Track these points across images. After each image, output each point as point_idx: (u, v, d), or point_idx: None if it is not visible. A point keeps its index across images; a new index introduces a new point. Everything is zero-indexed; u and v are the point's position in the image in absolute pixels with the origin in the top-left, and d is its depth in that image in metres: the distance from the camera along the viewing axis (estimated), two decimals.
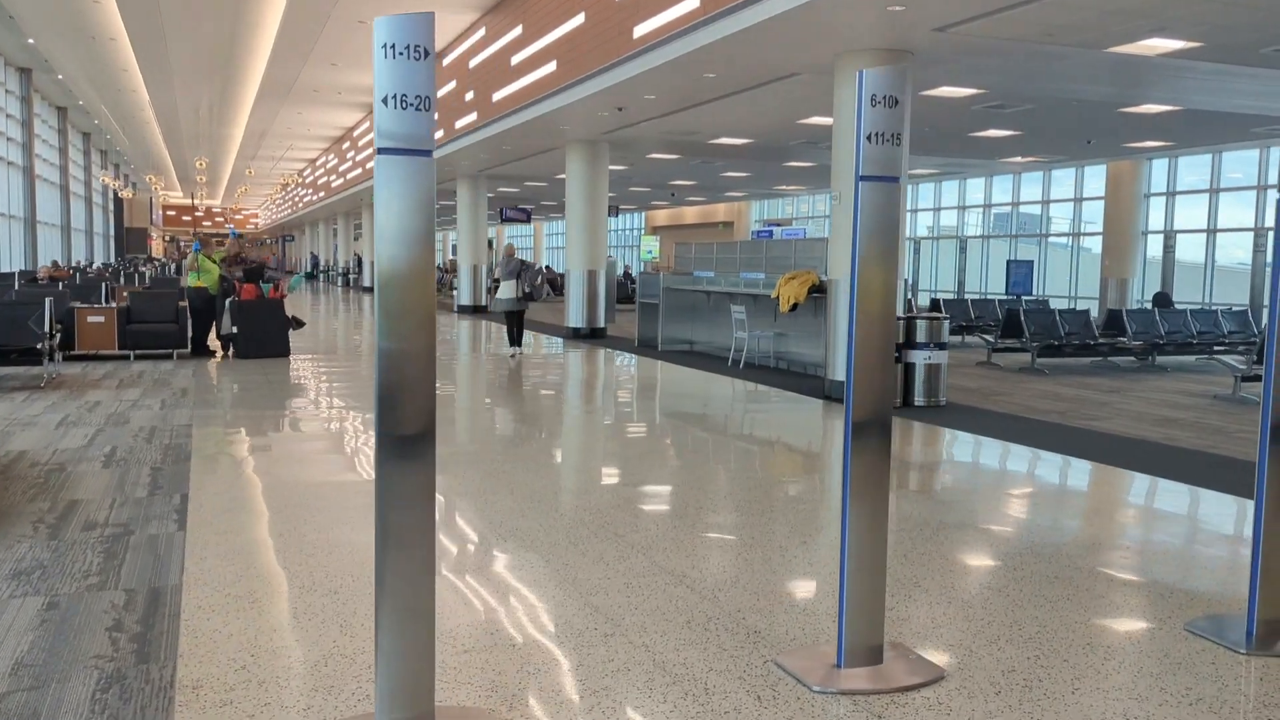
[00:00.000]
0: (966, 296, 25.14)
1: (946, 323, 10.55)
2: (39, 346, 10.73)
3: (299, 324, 14.27)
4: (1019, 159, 21.82)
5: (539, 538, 5.21)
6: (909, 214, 31.19)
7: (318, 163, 44.28)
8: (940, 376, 10.42)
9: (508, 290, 14.62)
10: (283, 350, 13.80)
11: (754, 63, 11.37)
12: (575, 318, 18.73)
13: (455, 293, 28.00)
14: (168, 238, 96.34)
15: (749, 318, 14.02)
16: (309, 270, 59.13)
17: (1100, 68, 11.33)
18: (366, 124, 31.72)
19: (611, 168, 23.74)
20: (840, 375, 10.73)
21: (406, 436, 2.91)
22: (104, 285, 17.11)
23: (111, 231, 57.75)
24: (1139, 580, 4.79)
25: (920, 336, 10.32)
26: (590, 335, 18.52)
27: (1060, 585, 4.59)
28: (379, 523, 2.91)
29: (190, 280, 14.00)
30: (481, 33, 18.50)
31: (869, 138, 3.43)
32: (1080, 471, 7.47)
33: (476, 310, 26.35)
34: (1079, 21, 9.12)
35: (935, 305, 18.91)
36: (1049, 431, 8.96)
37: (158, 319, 13.34)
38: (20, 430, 8.05)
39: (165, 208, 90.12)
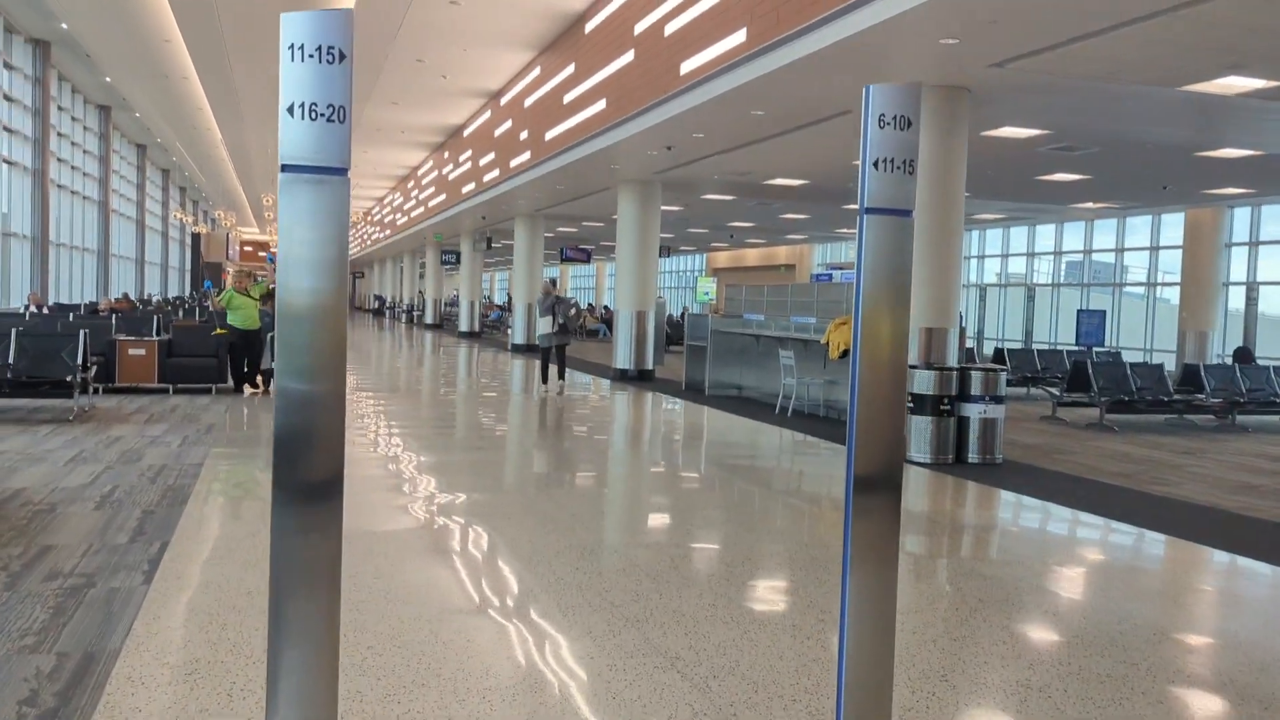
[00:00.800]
0: (1034, 347, 24.21)
1: (1004, 375, 9.88)
2: (69, 379, 10.61)
3: None
4: (1090, 205, 20.99)
5: (525, 604, 4.72)
6: (974, 260, 30.45)
7: (384, 200, 44.86)
8: (996, 432, 9.74)
9: (545, 326, 14.94)
10: None
11: (803, 99, 10.92)
12: (623, 359, 18.31)
13: (510, 330, 27.82)
14: (245, 272, 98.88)
15: (798, 364, 13.45)
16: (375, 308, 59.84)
17: (1173, 108, 10.66)
18: (431, 162, 31.93)
19: (666, 208, 23.39)
20: None
21: (306, 491, 2.47)
22: (155, 319, 17.11)
23: (188, 265, 59.13)
24: (1206, 679, 4.14)
25: (975, 389, 9.66)
26: (638, 377, 18.07)
27: (1112, 685, 3.96)
28: (271, 598, 2.46)
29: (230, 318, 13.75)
30: (536, 72, 18.35)
31: (875, 164, 2.93)
32: (1145, 545, 6.76)
33: (530, 349, 26.09)
34: (1147, 58, 8.51)
35: (999, 355, 18.12)
36: (1113, 496, 8.24)
37: (198, 353, 13.22)
38: (28, 466, 7.82)
39: (243, 243, 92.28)
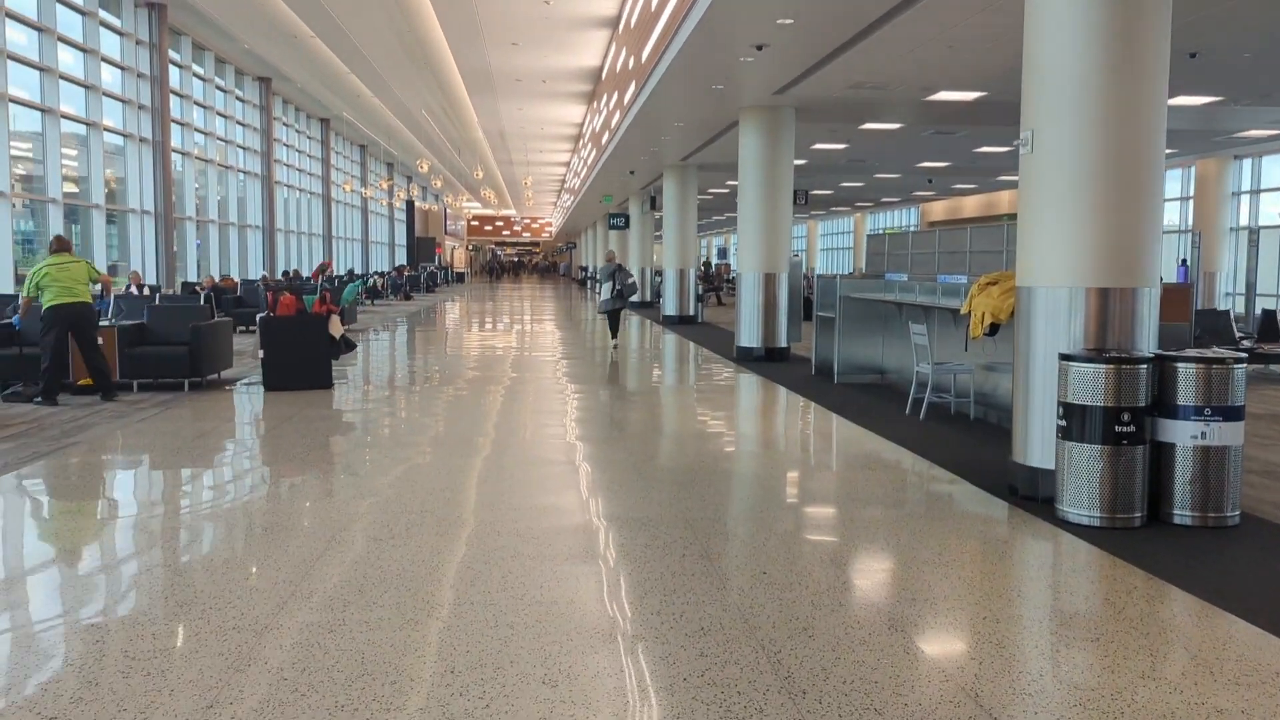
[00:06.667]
0: None
1: (1242, 371, 5.53)
2: None
3: (350, 346, 11.22)
4: None
5: None
6: (1246, 196, 24.12)
7: (568, 165, 42.48)
8: (1227, 470, 5.45)
9: (606, 292, 16.17)
10: (321, 380, 10.76)
11: None
12: (747, 335, 14.53)
13: (661, 300, 24.48)
14: (471, 247, 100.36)
15: (936, 342, 9.35)
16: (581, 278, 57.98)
17: None
18: (588, 118, 28.98)
19: (825, 146, 19.31)
20: (1037, 458, 6.00)
21: None
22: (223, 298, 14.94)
23: (402, 241, 59.29)
24: None
25: (1184, 394, 5.42)
26: (765, 357, 14.25)
27: None
28: None
29: (50, 298, 9.46)
30: None
31: None
32: None
33: (682, 320, 22.60)
34: None
35: (1269, 321, 12.84)
36: None
37: (166, 341, 10.69)
38: None
39: (470, 218, 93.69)
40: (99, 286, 10.51)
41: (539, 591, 4.27)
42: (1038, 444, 5.99)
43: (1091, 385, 5.43)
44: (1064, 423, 5.56)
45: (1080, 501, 5.50)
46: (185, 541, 5.23)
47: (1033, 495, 5.99)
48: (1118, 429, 5.42)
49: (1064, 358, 5.59)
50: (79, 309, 9.56)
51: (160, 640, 3.72)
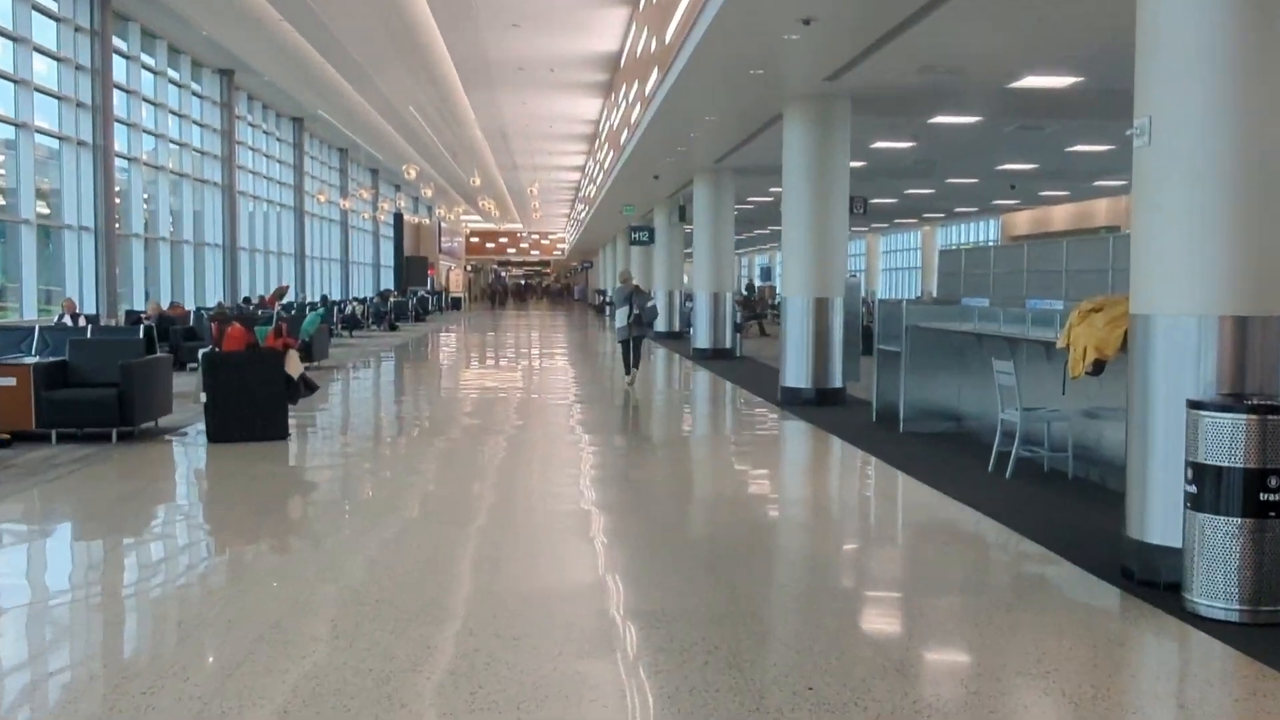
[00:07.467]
0: None
1: None
2: None
3: (310, 388, 10.94)
4: None
5: None
6: None
7: (584, 169, 42.49)
8: None
9: (621, 318, 16.37)
10: (275, 430, 10.47)
11: None
12: (794, 373, 14.11)
13: (692, 331, 24.19)
14: (470, 267, 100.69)
15: (1023, 383, 8.93)
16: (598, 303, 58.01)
17: None
18: (605, 113, 28.94)
19: (890, 144, 19.03)
20: (1159, 534, 5.59)
21: None
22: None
23: (389, 261, 59.63)
24: None
25: None
26: (816, 401, 13.82)
27: None
28: None
29: None
30: None
31: None
32: None
33: (717, 356, 22.24)
34: None
35: None
36: None
37: (91, 382, 10.45)
38: None
39: (469, 234, 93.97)
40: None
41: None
42: (1159, 515, 5.58)
43: (1229, 441, 5.02)
44: (1193, 488, 5.15)
45: (1215, 591, 5.07)
46: (82, 644, 4.92)
47: (1153, 580, 5.57)
48: (1263, 497, 5.00)
49: (1193, 405, 5.20)
50: None
51: None
